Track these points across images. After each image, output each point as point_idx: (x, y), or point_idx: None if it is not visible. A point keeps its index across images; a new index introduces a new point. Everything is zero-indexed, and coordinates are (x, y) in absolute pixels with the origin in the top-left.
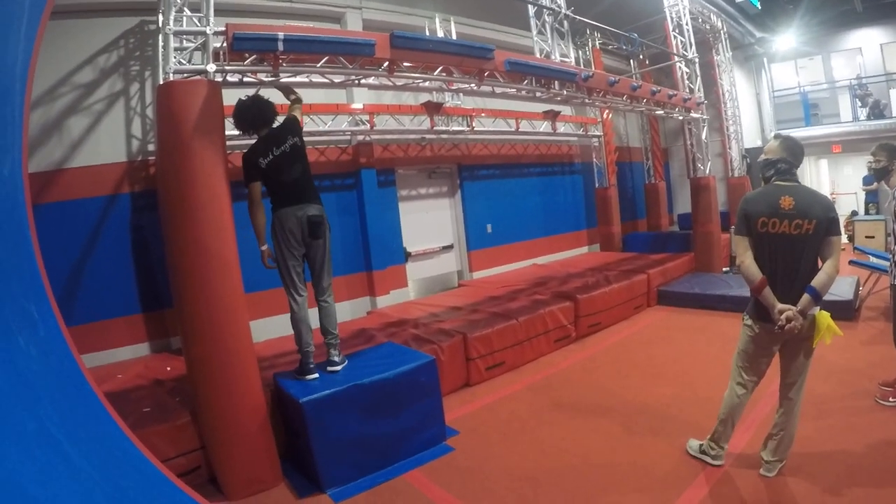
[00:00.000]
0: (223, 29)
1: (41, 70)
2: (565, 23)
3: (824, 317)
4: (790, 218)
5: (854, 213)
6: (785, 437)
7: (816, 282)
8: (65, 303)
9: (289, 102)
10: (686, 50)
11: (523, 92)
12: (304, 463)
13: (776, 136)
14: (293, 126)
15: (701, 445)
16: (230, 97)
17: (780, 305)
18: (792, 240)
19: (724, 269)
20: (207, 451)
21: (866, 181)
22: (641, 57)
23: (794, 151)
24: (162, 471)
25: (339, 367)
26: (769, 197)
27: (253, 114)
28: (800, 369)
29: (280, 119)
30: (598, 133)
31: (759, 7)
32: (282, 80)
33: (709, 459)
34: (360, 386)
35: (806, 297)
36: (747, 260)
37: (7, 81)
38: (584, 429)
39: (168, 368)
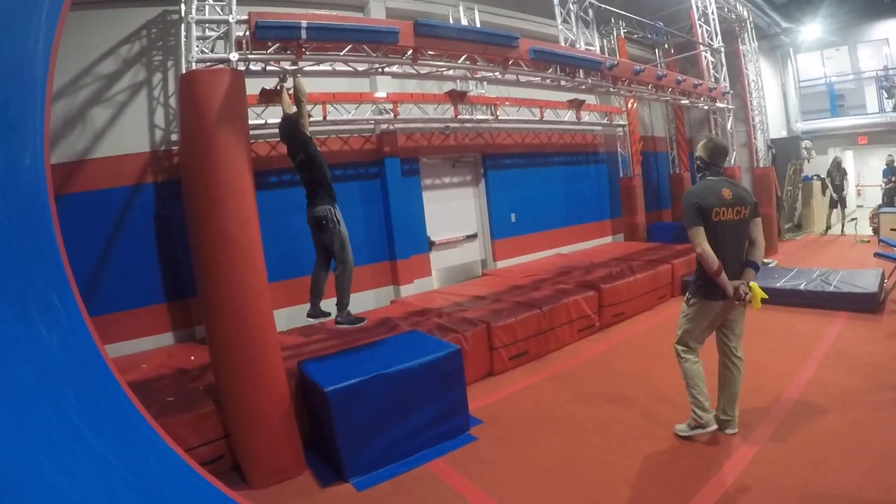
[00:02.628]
0: (246, 17)
1: (64, 61)
2: (590, 11)
3: (755, 286)
4: (732, 206)
5: (880, 206)
6: (735, 393)
7: (756, 257)
8: (90, 293)
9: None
10: (711, 39)
11: (548, 80)
12: (327, 451)
13: (706, 136)
14: (301, 145)
15: (689, 424)
16: (253, 86)
17: (734, 282)
18: (735, 225)
19: None
20: (231, 439)
21: (885, 174)
22: (666, 46)
23: (712, 151)
24: (185, 459)
25: (336, 317)
26: (713, 190)
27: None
28: (741, 330)
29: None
30: (623, 122)
31: None
32: (298, 81)
33: (702, 431)
34: (384, 375)
35: (751, 271)
36: (708, 247)
37: (28, 69)
38: (607, 419)
39: (192, 357)
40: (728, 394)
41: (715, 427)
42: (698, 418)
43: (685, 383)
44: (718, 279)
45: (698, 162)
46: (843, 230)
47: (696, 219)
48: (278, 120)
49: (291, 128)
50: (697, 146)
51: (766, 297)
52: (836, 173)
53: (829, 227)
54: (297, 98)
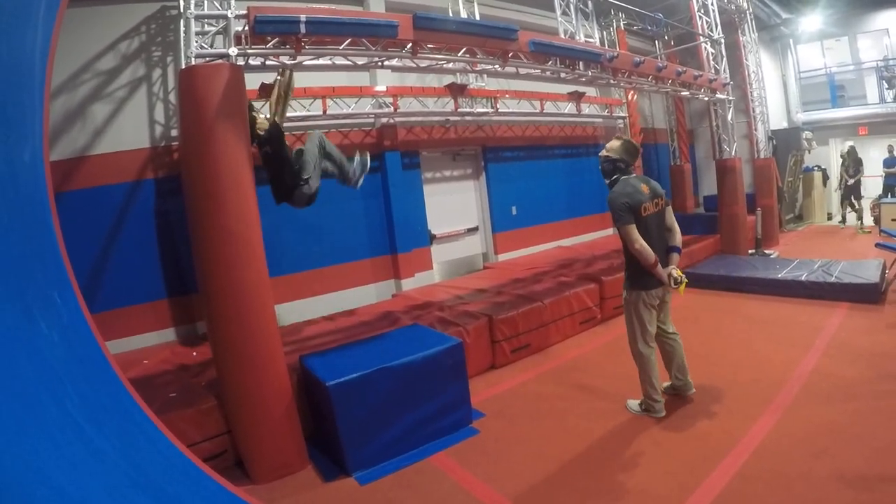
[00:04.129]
0: (244, 12)
1: (63, 58)
2: (589, 3)
3: (679, 272)
4: (652, 199)
5: (880, 196)
6: (682, 360)
7: (678, 242)
8: (91, 289)
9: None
10: (711, 30)
11: (548, 73)
12: (330, 446)
13: (618, 138)
14: (270, 137)
15: (640, 404)
16: (253, 81)
17: (666, 269)
18: (657, 216)
19: (749, 251)
20: (233, 435)
21: (886, 163)
22: (666, 38)
23: (631, 153)
24: (187, 455)
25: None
26: (635, 188)
27: None
28: (668, 311)
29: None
30: (623, 114)
31: None
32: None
33: (652, 414)
34: (387, 369)
35: (676, 255)
36: (644, 243)
37: (26, 68)
38: (610, 411)
39: (194, 353)
40: (675, 364)
41: (664, 414)
42: (651, 405)
43: (639, 375)
44: (655, 270)
45: (612, 164)
46: (858, 222)
47: (628, 217)
48: None
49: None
50: (608, 147)
51: (688, 281)
52: (851, 164)
53: (843, 219)
54: (286, 91)
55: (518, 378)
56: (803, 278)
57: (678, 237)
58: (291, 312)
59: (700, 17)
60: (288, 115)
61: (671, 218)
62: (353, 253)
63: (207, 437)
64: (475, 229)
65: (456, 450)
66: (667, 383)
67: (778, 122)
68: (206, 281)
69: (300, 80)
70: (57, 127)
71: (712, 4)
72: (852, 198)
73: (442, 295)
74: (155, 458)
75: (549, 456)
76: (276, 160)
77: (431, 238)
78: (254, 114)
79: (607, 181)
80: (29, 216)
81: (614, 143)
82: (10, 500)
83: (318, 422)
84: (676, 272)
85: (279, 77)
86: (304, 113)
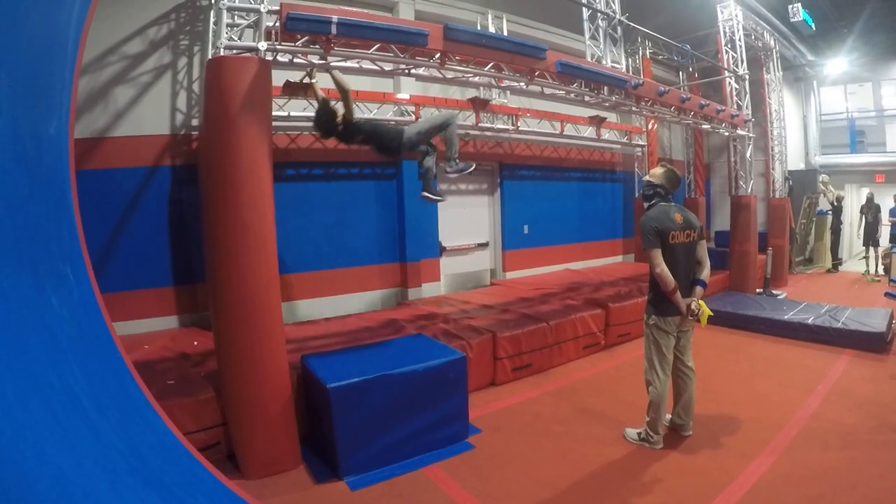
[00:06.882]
0: (277, 8)
1: (91, 38)
2: (619, 29)
3: (703, 304)
4: (682, 229)
5: (891, 247)
6: (691, 399)
7: (704, 276)
8: (98, 270)
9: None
10: (737, 66)
11: (572, 95)
12: (324, 448)
13: (662, 165)
14: (357, 130)
15: (639, 434)
16: (278, 78)
17: (686, 300)
18: (686, 247)
19: (757, 289)
20: (229, 428)
21: (893, 213)
22: (691, 69)
23: (672, 181)
24: (184, 444)
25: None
26: (668, 215)
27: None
28: (687, 342)
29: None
30: (642, 143)
31: (814, 28)
32: (334, 74)
33: (648, 446)
34: (388, 376)
35: (700, 289)
36: (666, 268)
37: (60, 42)
38: (606, 438)
39: (195, 343)
40: (683, 400)
41: (661, 447)
42: (650, 436)
43: (648, 404)
44: (673, 297)
45: (652, 190)
46: (876, 268)
47: (655, 241)
48: (301, 113)
49: (330, 121)
50: (652, 172)
51: (713, 314)
52: (868, 210)
53: (867, 270)
54: (343, 90)
55: (517, 397)
56: (810, 321)
57: (706, 272)
58: (297, 311)
59: (727, 51)
60: (307, 114)
61: (703, 252)
62: (363, 258)
63: (202, 427)
64: (485, 245)
65: (450, 463)
66: (668, 416)
67: (796, 162)
68: (215, 271)
69: (324, 81)
70: (79, 106)
71: (740, 40)
72: (870, 243)
73: (447, 307)
74: (153, 444)
75: (543, 479)
76: (374, 137)
77: (441, 250)
78: (333, 107)
79: (646, 205)
80: (50, 189)
81: (657, 170)
82: (6, 474)
83: (315, 423)
84: (696, 304)
85: (313, 81)
86: None
